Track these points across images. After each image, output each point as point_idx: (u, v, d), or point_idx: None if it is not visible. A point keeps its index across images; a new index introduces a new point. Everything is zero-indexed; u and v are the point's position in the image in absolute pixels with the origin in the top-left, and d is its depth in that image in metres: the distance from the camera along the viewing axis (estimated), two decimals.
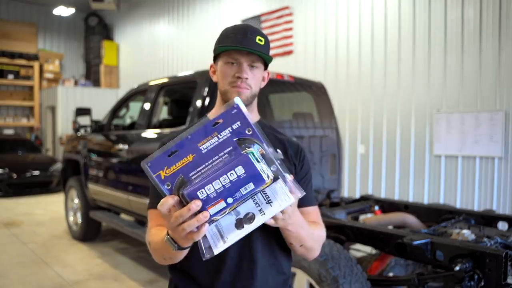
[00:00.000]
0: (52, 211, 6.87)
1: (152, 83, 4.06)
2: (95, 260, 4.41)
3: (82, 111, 5.24)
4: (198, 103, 3.19)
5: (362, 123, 5.67)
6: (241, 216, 0.85)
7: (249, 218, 0.85)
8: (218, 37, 1.20)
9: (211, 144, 0.81)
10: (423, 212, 3.06)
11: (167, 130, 3.57)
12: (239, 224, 0.85)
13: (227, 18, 7.98)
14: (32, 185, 8.36)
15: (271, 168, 0.83)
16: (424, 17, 5.00)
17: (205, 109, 3.10)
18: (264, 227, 1.12)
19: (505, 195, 4.37)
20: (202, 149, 0.81)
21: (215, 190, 0.80)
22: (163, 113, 4.75)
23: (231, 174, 0.80)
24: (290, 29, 6.69)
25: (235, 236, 0.85)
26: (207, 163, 0.82)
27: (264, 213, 0.85)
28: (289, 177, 0.86)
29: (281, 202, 0.85)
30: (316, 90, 3.98)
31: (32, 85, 12.10)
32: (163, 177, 0.81)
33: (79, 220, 5.06)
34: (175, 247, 0.91)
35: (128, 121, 5.60)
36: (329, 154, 3.82)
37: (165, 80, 3.92)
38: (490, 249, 1.91)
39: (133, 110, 5.01)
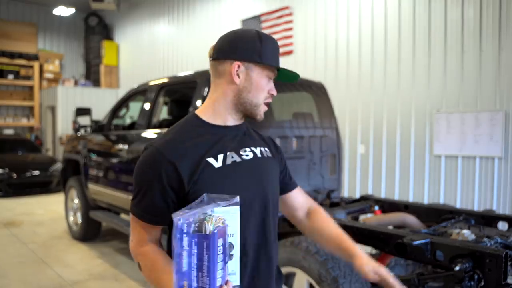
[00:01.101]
0: (52, 211, 6.87)
1: (152, 83, 4.06)
2: (95, 260, 4.41)
3: (82, 111, 5.23)
4: (198, 103, 3.19)
5: (362, 123, 5.67)
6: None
7: (229, 246, 0.94)
8: (256, 40, 1.14)
9: (185, 257, 0.88)
10: (423, 212, 3.06)
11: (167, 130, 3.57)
12: (229, 257, 0.94)
13: (227, 18, 7.99)
14: (32, 185, 8.36)
15: (206, 216, 0.90)
16: (424, 17, 5.00)
17: None
18: (274, 233, 1.21)
19: (505, 195, 4.37)
20: (185, 268, 0.88)
21: (221, 268, 0.89)
22: (163, 113, 4.75)
23: (219, 249, 0.88)
24: (290, 29, 6.69)
25: (236, 264, 0.95)
26: (193, 268, 0.88)
27: (232, 234, 0.94)
28: (216, 205, 0.93)
29: (231, 216, 0.93)
30: (316, 90, 3.98)
31: (32, 85, 12.10)
32: None
33: (79, 220, 5.06)
34: None
35: (128, 121, 5.60)
36: (329, 154, 3.82)
37: (165, 80, 3.92)
38: (490, 249, 1.91)
39: (133, 110, 5.01)
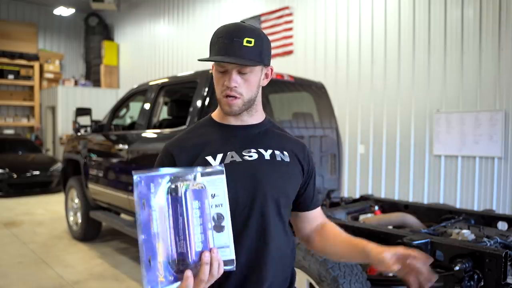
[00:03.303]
0: (52, 211, 6.87)
1: (152, 83, 4.06)
2: (95, 260, 4.42)
3: (82, 111, 5.23)
4: (198, 103, 3.19)
5: (362, 123, 5.67)
6: (214, 223, 0.91)
7: (218, 218, 0.91)
8: (211, 38, 1.16)
9: (157, 219, 0.87)
10: (423, 212, 3.06)
11: (167, 130, 3.57)
12: (219, 228, 0.91)
13: (227, 18, 7.98)
14: (32, 185, 8.36)
15: (186, 179, 0.90)
16: (424, 17, 5.01)
17: (205, 109, 3.11)
18: (276, 233, 1.14)
19: (505, 195, 4.37)
20: (157, 231, 0.86)
21: (201, 232, 0.87)
22: (163, 113, 4.75)
23: (195, 212, 0.88)
24: (290, 29, 6.70)
25: (228, 236, 0.92)
26: (169, 232, 0.88)
27: (221, 205, 0.91)
28: (198, 169, 0.92)
29: (217, 186, 0.92)
30: (316, 90, 3.98)
31: (32, 85, 12.11)
32: (164, 280, 0.87)
33: (79, 220, 5.07)
34: None
35: (128, 121, 5.60)
36: (329, 154, 3.82)
37: (165, 80, 3.92)
38: (490, 249, 1.91)
39: (133, 110, 5.01)
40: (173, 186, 0.88)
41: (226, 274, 1.05)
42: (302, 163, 1.23)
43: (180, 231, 0.87)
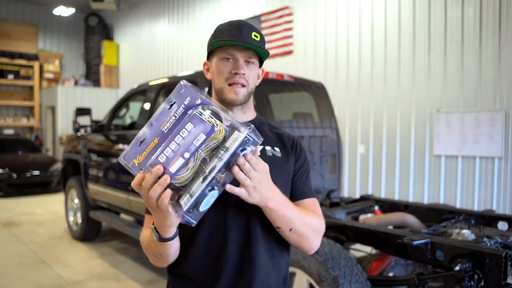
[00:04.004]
0: (52, 211, 6.87)
1: (152, 83, 4.06)
2: (95, 260, 4.41)
3: (82, 111, 5.23)
4: None
5: (362, 123, 5.67)
6: (190, 158, 0.87)
7: (202, 161, 0.87)
8: (213, 33, 1.18)
9: (170, 124, 0.90)
10: (423, 212, 3.06)
11: None
12: (194, 167, 0.87)
13: (227, 18, 7.94)
14: (32, 185, 8.35)
15: (225, 123, 0.88)
16: (424, 17, 5.01)
17: None
18: (263, 228, 1.12)
19: (505, 195, 4.37)
20: (164, 130, 0.89)
21: (172, 150, 0.85)
22: None
23: (183, 132, 0.86)
24: (290, 29, 6.69)
25: (197, 186, 0.86)
26: (169, 139, 0.89)
27: (221, 158, 0.86)
28: (247, 129, 0.88)
29: (234, 143, 0.87)
30: (316, 90, 3.98)
31: (32, 85, 12.10)
32: (137, 164, 0.90)
33: (79, 220, 5.06)
34: (157, 237, 0.97)
35: (128, 121, 5.59)
36: (329, 154, 3.82)
37: (165, 80, 3.92)
38: (490, 249, 1.91)
39: (133, 110, 5.01)
40: (199, 110, 0.88)
41: (218, 270, 1.07)
42: (291, 154, 1.22)
43: (167, 141, 0.87)
